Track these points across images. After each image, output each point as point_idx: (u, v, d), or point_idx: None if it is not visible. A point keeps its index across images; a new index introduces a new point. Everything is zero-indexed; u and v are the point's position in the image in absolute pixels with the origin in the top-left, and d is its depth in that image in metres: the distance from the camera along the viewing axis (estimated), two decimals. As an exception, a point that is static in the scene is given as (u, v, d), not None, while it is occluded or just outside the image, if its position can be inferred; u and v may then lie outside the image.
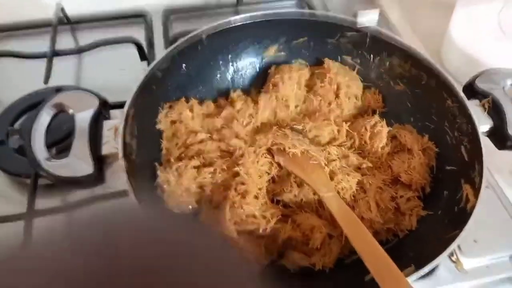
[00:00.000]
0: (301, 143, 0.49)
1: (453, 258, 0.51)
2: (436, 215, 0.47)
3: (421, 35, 0.82)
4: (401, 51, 0.55)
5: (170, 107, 0.53)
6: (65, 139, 0.56)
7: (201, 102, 0.56)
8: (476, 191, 0.42)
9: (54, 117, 0.44)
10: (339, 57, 0.60)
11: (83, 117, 0.44)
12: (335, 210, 0.43)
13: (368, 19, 0.76)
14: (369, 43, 0.58)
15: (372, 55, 0.58)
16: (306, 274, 0.44)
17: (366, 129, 0.53)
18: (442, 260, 0.50)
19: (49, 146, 0.43)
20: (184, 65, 0.55)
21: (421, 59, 0.53)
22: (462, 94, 0.49)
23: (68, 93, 0.46)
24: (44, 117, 0.43)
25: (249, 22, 0.57)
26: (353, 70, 0.60)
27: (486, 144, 0.48)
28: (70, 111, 0.44)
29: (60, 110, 0.44)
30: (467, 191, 0.44)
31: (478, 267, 0.51)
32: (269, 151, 0.50)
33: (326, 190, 0.45)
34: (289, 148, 0.49)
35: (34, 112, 0.49)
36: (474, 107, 0.48)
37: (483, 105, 0.49)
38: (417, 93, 0.55)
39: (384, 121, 0.54)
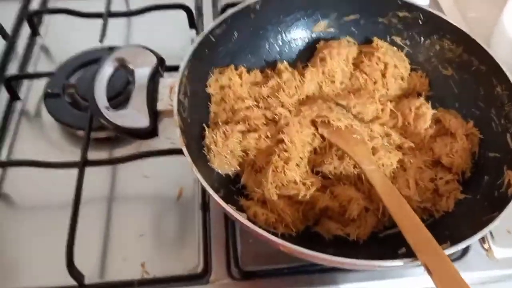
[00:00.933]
0: (346, 117, 0.51)
1: (485, 246, 0.52)
2: (475, 199, 0.47)
3: (471, 22, 0.80)
4: (453, 35, 0.55)
5: (220, 72, 0.55)
6: (122, 92, 0.59)
7: (249, 70, 0.57)
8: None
9: (115, 70, 0.47)
10: (388, 37, 0.60)
11: (142, 73, 0.46)
12: (376, 182, 0.44)
13: (417, 2, 0.76)
14: (420, 25, 0.57)
15: (422, 37, 0.58)
16: (340, 243, 0.46)
17: (410, 110, 0.54)
18: (474, 245, 0.51)
19: (108, 98, 0.46)
20: (236, 32, 0.56)
21: (475, 44, 0.53)
22: (512, 81, 0.49)
23: (129, 49, 0.48)
24: (106, 69, 0.46)
25: (302, -7, 0.58)
26: (402, 51, 0.60)
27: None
28: (130, 66, 0.47)
29: (121, 64, 0.47)
30: (510, 177, 0.44)
31: (509, 258, 0.52)
32: (313, 123, 0.51)
33: (368, 163, 0.46)
34: (334, 121, 0.50)
35: (92, 68, 0.52)
36: (525, 96, 0.48)
37: (534, 95, 0.49)
38: (465, 78, 0.55)
39: (429, 104, 0.54)
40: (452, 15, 0.80)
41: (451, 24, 0.55)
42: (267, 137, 0.50)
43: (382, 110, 0.54)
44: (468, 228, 0.42)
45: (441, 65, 0.57)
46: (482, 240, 0.53)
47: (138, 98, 0.45)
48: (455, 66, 0.56)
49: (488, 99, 0.52)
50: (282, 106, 0.54)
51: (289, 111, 0.53)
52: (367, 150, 0.48)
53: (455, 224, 0.46)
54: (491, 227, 0.39)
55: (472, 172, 0.50)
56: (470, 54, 0.54)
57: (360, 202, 0.46)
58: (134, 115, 0.44)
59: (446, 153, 0.50)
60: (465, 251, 0.51)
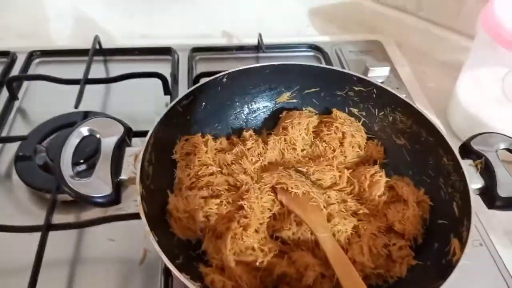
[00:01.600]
0: (303, 184, 0.53)
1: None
2: (426, 265, 0.49)
3: (428, 93, 0.87)
4: (403, 108, 0.60)
5: (187, 140, 0.58)
6: (88, 159, 0.61)
7: (215, 138, 0.61)
8: (463, 245, 0.45)
9: (82, 139, 0.49)
10: (346, 109, 0.65)
11: (108, 142, 0.48)
12: (328, 249, 0.46)
13: (378, 74, 0.82)
14: (375, 98, 0.62)
15: (377, 110, 0.63)
16: (297, 309, 0.47)
17: (366, 177, 0.57)
18: None
19: (73, 164, 0.48)
20: (204, 103, 0.60)
21: (422, 117, 0.57)
22: (457, 153, 0.53)
23: (98, 119, 0.51)
24: (74, 139, 0.48)
25: (267, 70, 0.63)
26: (359, 121, 0.64)
27: (482, 204, 0.52)
28: (98, 135, 0.49)
29: (89, 134, 0.49)
30: (455, 245, 0.46)
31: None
32: (273, 189, 0.54)
33: (323, 230, 0.48)
34: (292, 188, 0.52)
35: (64, 133, 0.55)
36: (467, 166, 0.52)
37: (476, 165, 0.52)
38: (416, 148, 0.59)
39: (384, 172, 0.58)
40: (410, 86, 0.87)
41: (400, 98, 0.60)
42: (228, 202, 0.52)
43: (340, 177, 0.57)
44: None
45: (394, 135, 0.62)
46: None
47: (103, 166, 0.47)
48: (406, 137, 0.60)
49: (437, 168, 0.55)
50: (245, 172, 0.56)
51: (251, 177, 0.56)
52: (322, 217, 0.51)
53: (406, 290, 0.47)
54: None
55: (424, 239, 0.53)
56: (419, 126, 0.58)
57: (316, 268, 0.47)
58: (97, 184, 0.46)
59: (399, 219, 0.52)
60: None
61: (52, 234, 0.56)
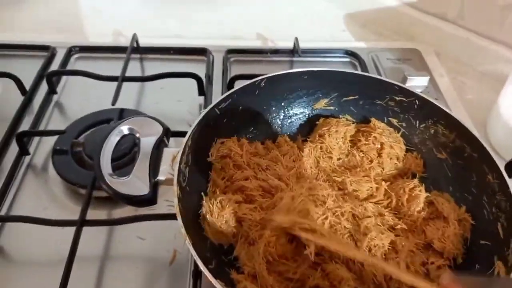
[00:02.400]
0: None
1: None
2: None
3: (468, 105, 0.84)
4: (446, 121, 0.57)
5: (222, 143, 0.58)
6: (123, 156, 0.61)
7: (250, 142, 0.60)
8: (509, 269, 0.43)
9: (122, 138, 0.49)
10: (385, 119, 0.63)
11: (147, 142, 0.49)
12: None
13: (416, 84, 0.80)
14: (416, 109, 0.60)
15: (418, 121, 0.61)
16: (329, 323, 0.46)
17: (404, 191, 0.55)
18: None
19: (115, 158, 0.49)
20: (240, 106, 0.60)
21: (466, 131, 0.55)
22: (503, 171, 0.50)
23: (137, 118, 0.51)
24: (114, 137, 0.48)
25: (305, 76, 0.62)
26: (398, 132, 0.62)
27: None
28: (137, 135, 0.49)
29: (129, 133, 0.49)
30: (500, 268, 0.44)
31: None
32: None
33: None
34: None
35: (101, 129, 0.55)
36: (514, 186, 0.49)
37: (524, 186, 0.50)
38: (458, 163, 0.57)
39: (423, 186, 0.56)
40: (449, 97, 0.84)
41: (444, 110, 0.58)
42: (262, 208, 0.51)
43: (377, 189, 0.56)
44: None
45: (435, 149, 0.60)
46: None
47: (141, 166, 0.47)
48: (448, 151, 0.58)
49: (480, 186, 0.53)
50: (279, 178, 0.55)
51: (286, 183, 0.55)
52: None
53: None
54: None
55: (464, 259, 0.51)
56: (462, 140, 0.56)
57: (351, 283, 0.46)
58: (135, 183, 0.46)
59: (438, 237, 0.51)
60: None
61: (84, 229, 0.56)
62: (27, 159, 0.67)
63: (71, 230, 0.55)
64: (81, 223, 0.55)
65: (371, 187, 0.56)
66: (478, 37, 0.93)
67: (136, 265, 0.57)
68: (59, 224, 0.56)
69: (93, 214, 0.60)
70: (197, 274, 0.54)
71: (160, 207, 0.60)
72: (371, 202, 0.54)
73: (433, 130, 0.60)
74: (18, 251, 0.57)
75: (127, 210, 0.61)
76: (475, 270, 0.48)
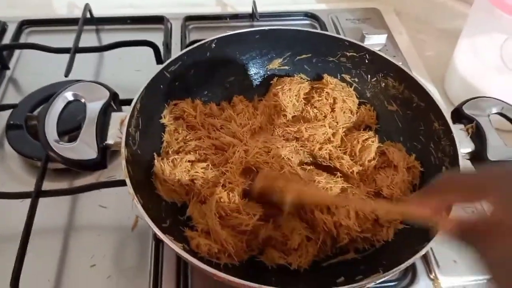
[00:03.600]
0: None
1: (432, 276, 0.54)
2: (413, 229, 0.49)
3: (426, 61, 0.85)
4: (396, 74, 0.58)
5: (176, 104, 0.57)
6: (77, 128, 0.60)
7: (205, 103, 0.60)
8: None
9: (68, 104, 0.49)
10: (338, 75, 0.64)
11: (93, 107, 0.48)
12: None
13: (374, 42, 0.80)
14: (367, 63, 0.61)
15: (369, 75, 0.62)
16: (282, 272, 0.47)
17: (358, 141, 0.56)
18: (421, 275, 0.53)
19: (63, 133, 0.48)
20: (192, 69, 0.59)
21: (414, 82, 0.56)
22: (448, 118, 0.52)
23: (82, 84, 0.50)
24: (59, 104, 0.48)
25: (257, 35, 0.61)
26: (351, 87, 0.63)
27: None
28: (83, 100, 0.49)
29: (74, 99, 0.49)
30: (442, 209, 0.46)
31: (454, 286, 0.53)
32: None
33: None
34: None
35: (50, 100, 0.54)
36: (458, 131, 0.51)
37: (467, 130, 0.52)
38: (408, 114, 0.58)
39: (377, 137, 0.57)
40: (408, 54, 0.85)
41: (393, 63, 0.58)
42: (214, 165, 0.52)
43: (334, 134, 0.57)
44: (405, 257, 0.43)
45: (386, 101, 0.61)
46: (429, 269, 0.54)
47: (88, 131, 0.47)
48: (399, 102, 0.59)
49: (428, 134, 0.55)
50: (234, 136, 0.56)
51: (240, 139, 0.56)
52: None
53: (394, 253, 0.47)
54: (418, 256, 0.41)
55: (412, 204, 0.52)
56: (411, 91, 0.57)
57: (302, 231, 0.47)
58: (82, 148, 0.46)
59: (387, 184, 0.52)
60: (412, 280, 0.53)
61: (45, 202, 0.56)
62: (-19, 136, 0.66)
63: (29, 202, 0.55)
64: (37, 194, 0.54)
65: (326, 132, 0.57)
66: (436, -6, 0.94)
67: (100, 233, 0.57)
68: (14, 197, 0.56)
69: (53, 186, 0.59)
70: (158, 237, 0.54)
71: (121, 175, 0.61)
72: (330, 145, 0.55)
73: (383, 83, 0.61)
74: (-23, 227, 0.57)
75: (88, 180, 0.61)
76: (422, 213, 0.50)
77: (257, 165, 0.52)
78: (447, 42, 0.86)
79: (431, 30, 0.94)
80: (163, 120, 0.56)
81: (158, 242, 0.55)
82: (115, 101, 0.51)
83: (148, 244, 0.56)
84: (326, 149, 0.54)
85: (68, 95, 0.49)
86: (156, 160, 0.51)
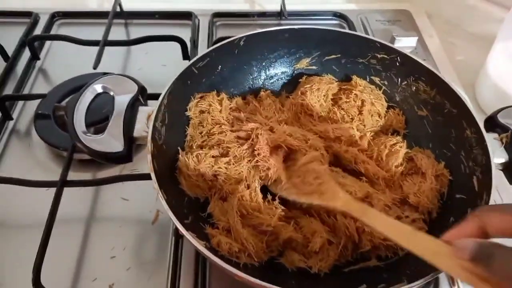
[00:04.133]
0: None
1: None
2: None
3: (457, 65, 0.83)
4: (428, 78, 0.57)
5: (201, 97, 0.57)
6: (105, 119, 0.61)
7: (231, 97, 0.60)
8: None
9: (97, 96, 0.49)
10: (368, 77, 0.62)
11: (122, 100, 0.48)
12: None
13: (404, 45, 0.79)
14: (398, 66, 0.59)
15: (399, 79, 0.60)
16: (302, 275, 0.46)
17: (385, 146, 0.55)
18: (443, 286, 0.52)
19: (90, 124, 0.49)
20: (220, 66, 0.59)
21: (447, 87, 0.54)
22: (481, 125, 0.50)
23: (111, 77, 0.51)
24: (88, 96, 0.48)
25: (286, 34, 0.61)
26: (380, 90, 0.62)
27: (505, 181, 0.49)
28: (111, 93, 0.49)
29: (103, 91, 0.49)
30: (471, 219, 0.44)
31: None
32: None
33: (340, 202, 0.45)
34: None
35: (80, 91, 0.55)
36: (491, 140, 0.49)
37: (501, 139, 0.50)
38: (438, 120, 0.56)
39: (405, 143, 0.56)
40: (438, 58, 0.83)
41: (425, 67, 0.57)
42: (235, 157, 0.51)
43: (361, 138, 0.56)
44: (429, 267, 0.42)
45: (416, 106, 0.59)
46: (452, 281, 0.53)
47: (115, 124, 0.47)
48: (429, 108, 0.58)
49: (459, 141, 0.53)
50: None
51: (260, 123, 0.55)
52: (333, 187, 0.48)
53: (417, 262, 0.46)
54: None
55: (439, 213, 0.51)
56: (443, 96, 0.55)
57: (323, 235, 0.46)
58: (109, 141, 0.46)
59: (414, 192, 0.51)
60: (435, 291, 0.52)
61: (69, 192, 0.57)
62: (10, 124, 0.68)
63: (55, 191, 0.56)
64: (62, 183, 0.55)
65: (354, 135, 0.55)
66: (469, -3, 0.91)
67: (121, 224, 0.58)
68: (40, 185, 0.57)
69: (77, 176, 0.60)
70: (178, 232, 0.55)
71: (144, 169, 0.61)
72: (355, 148, 0.54)
73: (414, 87, 0.59)
74: (3, 213, 0.58)
75: (112, 172, 0.62)
76: (449, 223, 0.49)
77: (288, 142, 0.51)
78: (479, 46, 0.83)
79: (462, 33, 0.91)
80: (188, 113, 0.56)
81: (178, 236, 0.55)
82: (142, 95, 0.51)
83: (167, 238, 0.56)
84: (352, 153, 0.53)
85: (98, 87, 0.49)
86: (180, 155, 0.51)
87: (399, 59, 0.59)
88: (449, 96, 0.54)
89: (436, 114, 0.57)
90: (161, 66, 0.79)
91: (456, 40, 0.89)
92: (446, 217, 0.50)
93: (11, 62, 0.75)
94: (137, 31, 0.86)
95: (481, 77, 0.78)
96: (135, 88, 0.51)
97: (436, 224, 0.50)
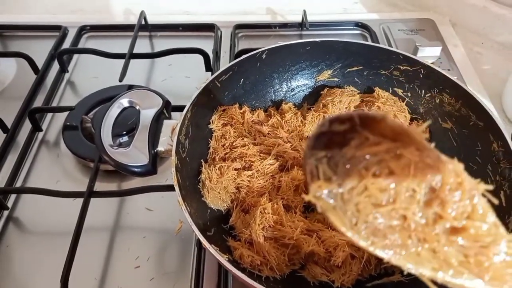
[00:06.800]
0: None
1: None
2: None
3: (482, 75, 0.81)
4: (452, 90, 0.56)
5: (224, 110, 0.58)
6: (130, 131, 0.63)
7: (253, 110, 0.60)
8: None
9: (123, 110, 0.51)
10: (390, 89, 0.62)
11: (147, 114, 0.50)
12: None
13: (428, 55, 0.78)
14: (421, 78, 0.59)
15: (423, 90, 0.59)
16: (325, 289, 0.46)
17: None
18: None
19: (115, 135, 0.50)
20: (242, 79, 0.60)
21: (472, 99, 0.53)
22: (508, 139, 0.49)
23: (138, 91, 0.52)
24: (115, 110, 0.50)
25: (308, 47, 0.61)
26: (403, 102, 0.61)
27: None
28: (137, 107, 0.51)
29: (129, 105, 0.51)
30: (498, 235, 0.43)
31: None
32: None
33: None
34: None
35: (107, 104, 0.57)
36: (519, 154, 0.48)
37: (530, 153, 0.49)
38: (464, 132, 0.55)
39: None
40: (463, 68, 0.81)
41: (450, 79, 0.56)
42: (258, 171, 0.52)
43: None
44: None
45: (441, 118, 0.58)
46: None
47: (141, 137, 0.48)
48: (454, 120, 0.57)
49: (485, 155, 0.52)
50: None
51: (284, 140, 0.55)
52: None
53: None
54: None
55: (465, 227, 0.50)
56: (468, 109, 0.54)
57: (346, 249, 0.46)
58: (135, 154, 0.47)
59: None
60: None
61: (94, 202, 0.58)
62: (40, 135, 0.70)
63: (81, 201, 0.57)
64: (89, 194, 0.57)
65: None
66: (496, 5, 0.89)
67: (145, 234, 0.59)
68: (68, 196, 0.58)
69: (103, 186, 0.62)
70: (200, 243, 0.55)
71: (167, 179, 0.63)
72: None
73: (438, 99, 0.58)
74: (32, 222, 0.60)
75: (137, 182, 0.63)
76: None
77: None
78: (506, 56, 0.82)
79: (488, 42, 0.89)
80: (211, 125, 0.57)
81: (200, 247, 0.56)
82: (167, 109, 0.52)
83: (190, 248, 0.57)
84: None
85: (124, 102, 0.51)
86: (203, 168, 0.52)
87: (422, 71, 0.58)
88: (474, 108, 0.54)
89: (461, 127, 0.56)
90: (184, 77, 0.80)
91: (481, 50, 0.88)
92: (472, 233, 0.48)
93: (41, 75, 0.78)
94: (161, 43, 0.88)
95: (508, 87, 0.76)
96: (160, 102, 0.52)
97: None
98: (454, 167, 0.30)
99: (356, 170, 0.29)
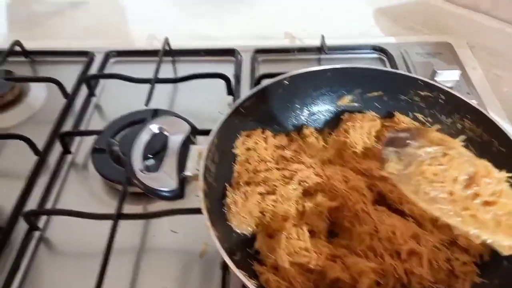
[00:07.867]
0: None
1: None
2: (492, 284, 0.47)
3: (502, 98, 0.81)
4: (473, 115, 0.57)
5: (248, 135, 0.60)
6: (155, 154, 0.65)
7: (275, 135, 0.62)
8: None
9: (152, 135, 0.53)
10: (410, 114, 0.63)
11: (175, 140, 0.52)
12: None
13: (446, 79, 0.78)
14: (442, 104, 0.60)
15: (444, 116, 0.60)
16: (350, 315, 0.47)
17: (431, 186, 0.55)
18: None
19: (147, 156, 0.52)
20: (265, 105, 0.62)
21: (494, 125, 0.54)
22: (532, 164, 0.49)
23: (166, 118, 0.54)
24: (144, 135, 0.52)
25: (328, 73, 0.63)
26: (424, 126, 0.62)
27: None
28: (165, 132, 0.53)
29: (159, 131, 0.53)
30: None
31: None
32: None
33: None
34: None
35: (136, 128, 0.59)
36: (544, 181, 0.48)
37: (556, 180, 0.49)
38: (487, 159, 0.55)
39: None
40: (482, 91, 0.82)
41: (470, 104, 0.57)
42: (282, 196, 0.53)
43: None
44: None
45: (464, 144, 0.59)
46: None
47: (169, 162, 0.50)
48: (476, 146, 0.57)
49: (509, 182, 0.52)
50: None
51: (307, 166, 0.56)
52: None
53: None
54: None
55: (491, 256, 0.50)
56: (490, 135, 0.55)
57: (371, 275, 0.46)
58: (164, 178, 0.49)
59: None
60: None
61: (121, 224, 0.60)
62: (69, 157, 0.73)
63: (110, 223, 0.59)
64: (117, 216, 0.59)
65: None
66: (510, 26, 0.90)
67: (170, 256, 0.60)
68: (98, 218, 0.60)
69: (130, 208, 0.64)
70: (225, 266, 0.56)
71: (192, 202, 0.64)
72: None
73: (460, 125, 0.59)
74: (62, 243, 0.62)
75: (161, 205, 0.64)
76: (503, 267, 0.48)
77: (327, 205, 0.52)
78: (527, 79, 0.82)
79: (507, 64, 0.90)
80: (235, 151, 0.59)
81: (225, 270, 0.56)
82: (193, 134, 0.54)
83: (214, 270, 0.58)
84: (397, 193, 0.53)
85: (154, 128, 0.53)
86: (228, 191, 0.53)
87: (442, 96, 0.59)
88: (496, 134, 0.54)
89: (483, 153, 0.56)
90: (206, 101, 0.82)
91: (501, 72, 0.88)
92: (499, 261, 0.48)
93: (70, 99, 0.81)
94: (184, 68, 0.90)
95: (529, 110, 0.76)
96: (186, 127, 0.54)
97: (489, 268, 0.49)
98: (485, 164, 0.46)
99: (416, 161, 0.45)
